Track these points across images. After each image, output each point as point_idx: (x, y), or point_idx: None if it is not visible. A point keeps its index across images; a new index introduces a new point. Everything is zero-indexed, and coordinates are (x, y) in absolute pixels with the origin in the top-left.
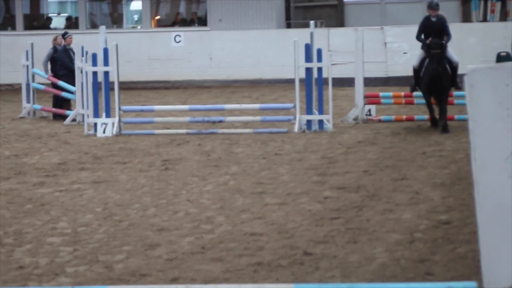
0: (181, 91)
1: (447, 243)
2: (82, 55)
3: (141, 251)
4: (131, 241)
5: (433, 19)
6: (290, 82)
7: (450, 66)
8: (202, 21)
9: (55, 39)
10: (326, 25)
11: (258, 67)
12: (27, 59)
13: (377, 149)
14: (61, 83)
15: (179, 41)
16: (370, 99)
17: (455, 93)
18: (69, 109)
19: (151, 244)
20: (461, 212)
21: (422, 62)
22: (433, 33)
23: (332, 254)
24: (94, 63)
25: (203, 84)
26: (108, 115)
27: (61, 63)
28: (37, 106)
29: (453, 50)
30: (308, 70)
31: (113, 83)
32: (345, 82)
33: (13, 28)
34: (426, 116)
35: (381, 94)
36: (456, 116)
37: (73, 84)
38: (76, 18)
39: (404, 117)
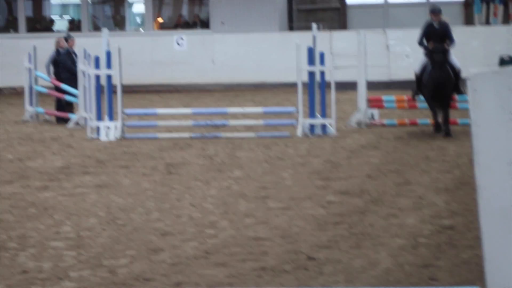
0: (184, 94)
1: (451, 248)
2: (85, 58)
3: (145, 255)
4: (135, 246)
5: (436, 25)
6: (292, 85)
7: (453, 71)
8: (205, 24)
9: (58, 42)
10: (328, 28)
11: (261, 71)
12: (29, 62)
13: (380, 153)
14: (64, 86)
15: (182, 44)
16: (373, 103)
17: (458, 97)
18: (71, 112)
19: (155, 249)
20: (464, 217)
21: (423, 67)
22: (436, 39)
23: (336, 259)
24: (97, 66)
25: (206, 87)
26: (111, 119)
27: (64, 66)
28: (40, 109)
29: (456, 53)
30: (311, 74)
31: (115, 86)
32: (348, 86)
33: (16, 30)
34: (430, 120)
35: (384, 98)
36: (459, 121)
37: (76, 87)
38: (79, 21)
39: (407, 121)
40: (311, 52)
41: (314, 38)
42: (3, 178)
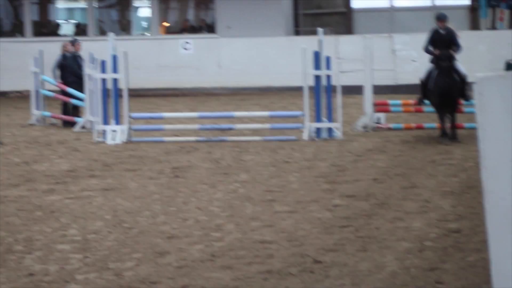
0: (190, 98)
1: (457, 252)
2: (91, 62)
3: (151, 258)
4: (141, 249)
5: (442, 32)
6: (299, 89)
7: (459, 78)
8: (211, 28)
9: (64, 46)
10: (334, 32)
11: (267, 75)
12: (36, 66)
13: (386, 157)
14: (70, 90)
15: (188, 48)
16: (379, 107)
17: (465, 101)
18: (78, 116)
19: (161, 252)
20: (471, 220)
21: (429, 74)
22: (442, 45)
23: (342, 262)
24: (103, 70)
25: (212, 91)
26: (117, 122)
27: (70, 70)
28: (47, 113)
29: (462, 58)
30: (317, 78)
31: (122, 90)
32: (354, 90)
33: (22, 34)
34: (436, 124)
35: (390, 102)
36: (465, 125)
37: (82, 91)
38: (85, 25)
39: (414, 125)
40: (317, 56)
41: (320, 42)
42: (9, 181)
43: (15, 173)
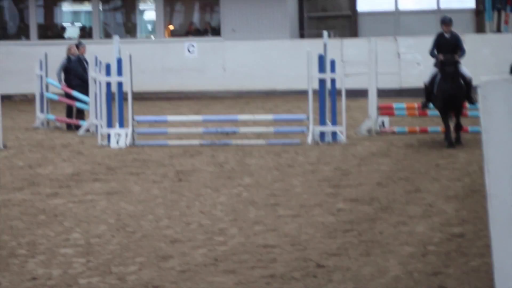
0: (194, 101)
1: (461, 256)
2: (96, 65)
3: (154, 262)
4: (144, 253)
5: (447, 36)
6: (303, 93)
7: (464, 82)
8: (216, 31)
9: (69, 49)
10: (339, 35)
11: (272, 78)
12: (41, 69)
13: (390, 161)
14: (75, 93)
15: (193, 51)
16: (384, 111)
17: (469, 105)
18: (82, 119)
19: (164, 256)
20: (474, 225)
21: (433, 78)
22: (447, 49)
23: (345, 267)
24: (108, 73)
25: (217, 94)
26: (121, 126)
27: (75, 73)
28: (51, 116)
29: (467, 61)
30: (322, 81)
31: (126, 93)
32: (359, 93)
33: (27, 37)
34: (440, 128)
35: (394, 105)
36: (469, 128)
37: (87, 94)
38: (90, 28)
39: (418, 128)
40: (321, 59)
41: (325, 46)
42: (13, 185)
43: (18, 176)
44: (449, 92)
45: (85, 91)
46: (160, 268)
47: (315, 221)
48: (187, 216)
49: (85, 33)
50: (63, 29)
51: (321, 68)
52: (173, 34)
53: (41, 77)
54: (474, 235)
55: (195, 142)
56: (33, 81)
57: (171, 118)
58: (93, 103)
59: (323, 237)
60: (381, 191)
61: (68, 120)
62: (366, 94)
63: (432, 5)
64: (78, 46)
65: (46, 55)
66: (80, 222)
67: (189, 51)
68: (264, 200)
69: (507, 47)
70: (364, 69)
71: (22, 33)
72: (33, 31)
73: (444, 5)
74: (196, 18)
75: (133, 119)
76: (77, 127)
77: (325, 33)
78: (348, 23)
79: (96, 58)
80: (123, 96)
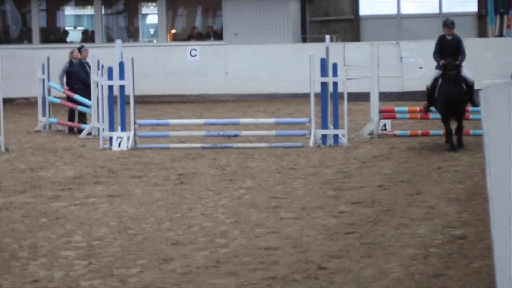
0: (197, 105)
1: (462, 258)
2: (98, 69)
3: (156, 265)
4: (146, 255)
5: (449, 37)
6: (305, 96)
7: (466, 84)
8: (218, 35)
9: (71, 52)
10: (341, 39)
11: (274, 81)
12: (43, 73)
13: (392, 164)
14: (77, 96)
15: (195, 55)
16: (386, 114)
17: (471, 108)
18: (84, 122)
19: (166, 258)
20: (476, 227)
21: (435, 81)
22: (449, 51)
23: (347, 269)
24: (110, 77)
25: (219, 98)
26: (123, 129)
27: (77, 77)
28: (53, 120)
29: (469, 65)
30: (324, 85)
31: (128, 97)
32: (361, 97)
33: (30, 41)
34: (442, 131)
35: (396, 109)
36: (471, 131)
37: (89, 98)
38: (92, 32)
39: (420, 132)
40: (324, 63)
41: (327, 49)
42: (15, 188)
43: (20, 179)
44: (451, 96)
45: (87, 95)
46: (162, 271)
47: (316, 224)
48: (189, 219)
49: (88, 37)
50: (66, 33)
51: (323, 72)
52: (175, 38)
53: (43, 80)
54: (475, 237)
55: (197, 145)
56: (35, 84)
57: (173, 121)
58: (95, 106)
59: (324, 239)
60: (383, 194)
61: (70, 124)
62: (368, 97)
63: (435, 9)
64: (80, 50)
65: (48, 59)
66: (81, 224)
67: (191, 55)
68: (265, 203)
69: (509, 51)
70: (366, 73)
71: (24, 37)
72: (36, 35)
73: (446, 9)
74: (198, 22)
75: (135, 122)
76: (79, 130)
77: (327, 37)
78: (350, 27)
79: (98, 62)
80: (125, 100)
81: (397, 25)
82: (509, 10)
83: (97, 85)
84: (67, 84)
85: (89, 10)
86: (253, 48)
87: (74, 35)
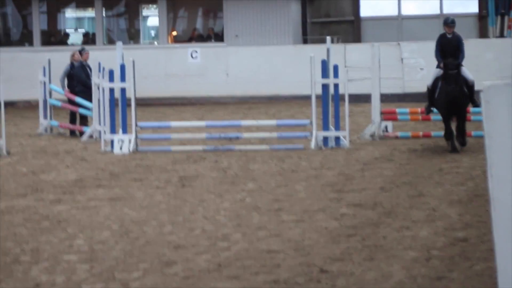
0: (198, 107)
1: (464, 261)
2: (99, 71)
3: (158, 268)
4: (148, 259)
5: (449, 36)
6: (306, 98)
7: (466, 85)
8: (219, 37)
9: (72, 55)
10: (342, 41)
11: (275, 83)
12: (44, 75)
13: (393, 165)
14: (78, 99)
15: (196, 57)
16: (387, 116)
17: (472, 109)
18: (86, 125)
19: (168, 262)
20: (478, 229)
21: (435, 81)
22: (449, 50)
23: (349, 272)
24: (111, 79)
25: (220, 100)
26: (124, 132)
27: (78, 79)
28: (54, 123)
29: (470, 66)
30: (325, 86)
31: (130, 99)
32: (362, 98)
33: (31, 44)
34: (443, 133)
35: (397, 110)
36: (473, 133)
37: (90, 101)
38: (93, 34)
39: (421, 133)
40: (325, 64)
41: (328, 51)
42: (17, 191)
43: (22, 183)
44: (452, 94)
45: (89, 97)
46: (164, 274)
47: (318, 226)
48: (191, 222)
49: (89, 39)
50: (67, 35)
51: (324, 73)
52: (176, 40)
53: (45, 83)
54: (477, 240)
55: (198, 147)
56: (36, 87)
57: (174, 124)
58: (96, 109)
59: (326, 242)
60: (385, 196)
61: (72, 126)
62: (369, 99)
63: (435, 10)
64: (81, 52)
65: (49, 61)
66: (83, 228)
67: (192, 56)
68: (267, 206)
69: (510, 52)
70: (367, 74)
71: (25, 39)
72: (37, 37)
73: (447, 9)
74: (199, 24)
75: (136, 125)
76: (81, 133)
77: (328, 38)
78: (351, 29)
79: (99, 64)
80: (126, 102)
81: (398, 26)
82: (510, 11)
83: (98, 88)
84: (68, 86)
85: (90, 12)
86: (254, 49)
87: (75, 38)
